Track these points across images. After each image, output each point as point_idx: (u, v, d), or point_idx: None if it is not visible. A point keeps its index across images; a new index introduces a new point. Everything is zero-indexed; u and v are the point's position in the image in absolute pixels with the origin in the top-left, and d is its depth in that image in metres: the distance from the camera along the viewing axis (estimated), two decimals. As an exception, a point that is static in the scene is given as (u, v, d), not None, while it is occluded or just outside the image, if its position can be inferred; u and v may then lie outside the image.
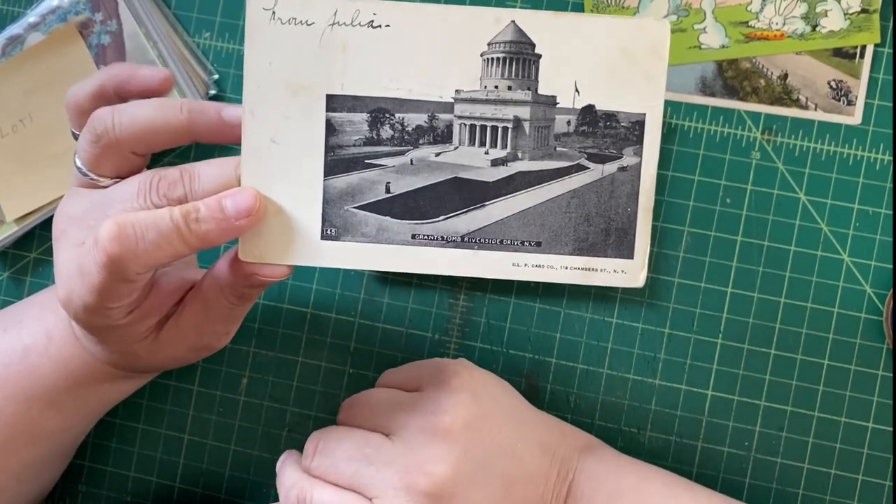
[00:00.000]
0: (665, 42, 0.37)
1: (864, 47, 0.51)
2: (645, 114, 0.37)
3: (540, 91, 0.37)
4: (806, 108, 0.51)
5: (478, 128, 0.37)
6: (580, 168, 0.38)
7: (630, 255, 0.38)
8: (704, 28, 0.51)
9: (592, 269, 0.38)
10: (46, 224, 0.54)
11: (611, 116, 0.37)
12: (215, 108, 0.40)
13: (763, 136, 0.51)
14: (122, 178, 0.40)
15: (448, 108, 0.37)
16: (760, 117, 0.51)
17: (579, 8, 0.52)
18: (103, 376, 0.45)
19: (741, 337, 0.51)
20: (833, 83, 0.51)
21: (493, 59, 0.37)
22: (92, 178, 0.40)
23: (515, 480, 0.42)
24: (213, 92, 0.53)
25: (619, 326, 0.51)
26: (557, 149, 0.38)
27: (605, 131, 0.37)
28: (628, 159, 0.37)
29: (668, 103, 0.51)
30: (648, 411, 0.51)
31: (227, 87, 0.53)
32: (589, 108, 0.37)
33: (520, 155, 0.38)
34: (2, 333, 0.46)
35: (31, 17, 0.53)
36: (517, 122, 0.37)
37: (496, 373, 0.47)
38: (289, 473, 0.43)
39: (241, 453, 0.53)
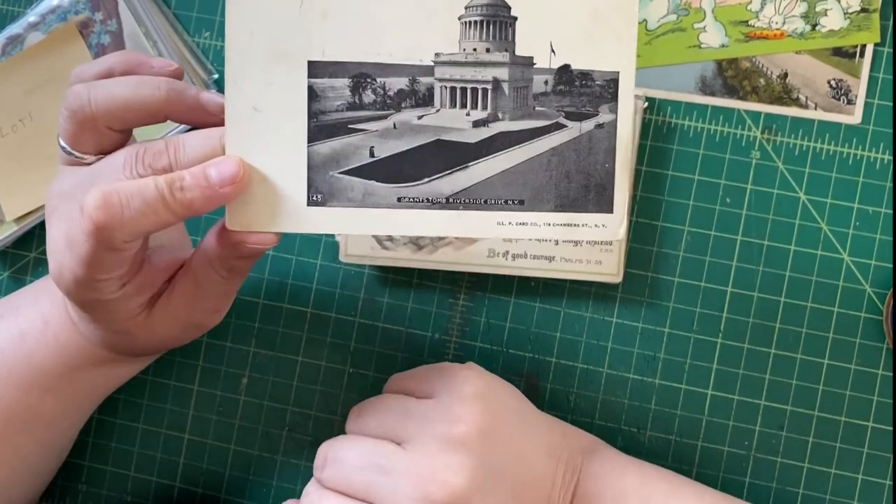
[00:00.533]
0: (627, 14, 0.38)
1: (863, 46, 0.51)
2: (618, 72, 0.38)
3: (517, 52, 0.37)
4: (806, 107, 0.51)
5: (458, 90, 0.38)
6: (559, 126, 0.38)
7: (609, 210, 0.39)
8: (704, 27, 0.51)
9: (574, 225, 0.39)
10: (46, 224, 0.54)
11: (586, 75, 0.38)
12: (194, 91, 0.40)
13: (763, 135, 0.51)
14: (105, 154, 0.40)
15: (428, 71, 0.37)
16: (760, 116, 0.51)
17: None
18: (99, 360, 0.45)
19: (741, 336, 0.51)
20: (833, 82, 0.51)
21: (470, 21, 0.37)
22: (76, 156, 0.40)
23: (525, 484, 0.42)
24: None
25: (619, 326, 0.51)
26: (536, 108, 0.38)
27: (581, 90, 0.38)
28: (604, 116, 0.38)
29: (668, 103, 0.52)
30: (648, 411, 0.51)
31: (227, 87, 0.54)
32: (565, 68, 0.38)
33: (500, 115, 0.38)
34: None
35: (31, 16, 0.53)
36: (496, 83, 0.38)
37: (496, 373, 0.47)
38: (308, 486, 0.43)
39: (241, 453, 0.53)
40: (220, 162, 0.37)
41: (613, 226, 0.39)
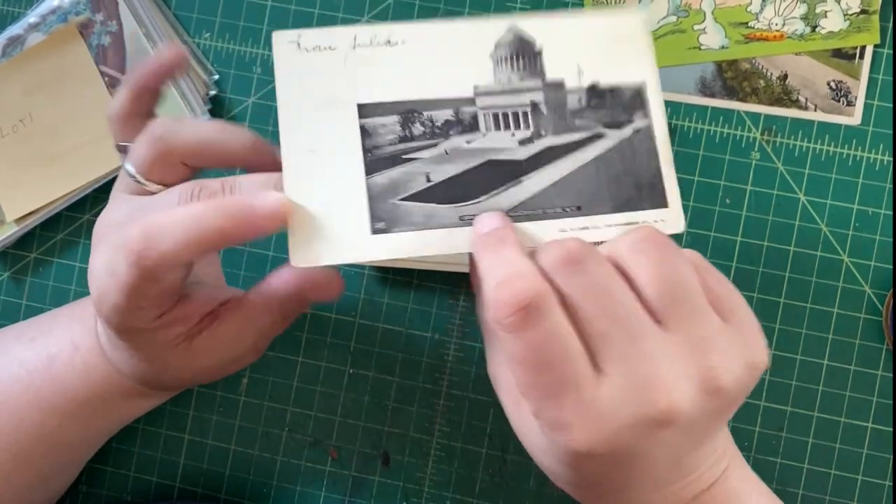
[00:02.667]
0: (641, 34, 0.41)
1: (863, 48, 0.51)
2: (643, 81, 0.40)
3: (548, 78, 0.40)
4: (805, 108, 0.51)
5: (500, 115, 0.40)
6: (600, 136, 0.40)
7: (664, 204, 0.40)
8: (704, 29, 0.51)
9: (635, 224, 0.40)
10: (46, 224, 0.54)
11: (614, 89, 0.40)
12: (273, 148, 0.40)
13: (763, 136, 0.51)
14: (167, 185, 0.41)
15: (470, 102, 0.40)
16: (760, 118, 0.51)
17: (581, 5, 0.52)
18: (125, 391, 0.45)
19: (741, 337, 0.51)
20: (833, 84, 0.51)
21: (501, 57, 0.40)
22: (140, 182, 0.40)
23: (687, 459, 0.37)
24: (213, 92, 0.53)
25: (619, 326, 0.51)
26: (576, 122, 0.41)
27: (612, 102, 0.40)
28: (640, 122, 0.40)
29: (668, 103, 0.52)
30: (648, 411, 0.51)
31: (228, 87, 0.54)
32: (594, 87, 0.40)
33: (543, 132, 0.40)
34: (29, 342, 0.46)
35: (32, 17, 0.53)
36: (534, 105, 0.40)
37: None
38: (514, 254, 0.35)
39: (241, 453, 0.53)
40: (266, 195, 0.38)
41: (672, 218, 0.40)
